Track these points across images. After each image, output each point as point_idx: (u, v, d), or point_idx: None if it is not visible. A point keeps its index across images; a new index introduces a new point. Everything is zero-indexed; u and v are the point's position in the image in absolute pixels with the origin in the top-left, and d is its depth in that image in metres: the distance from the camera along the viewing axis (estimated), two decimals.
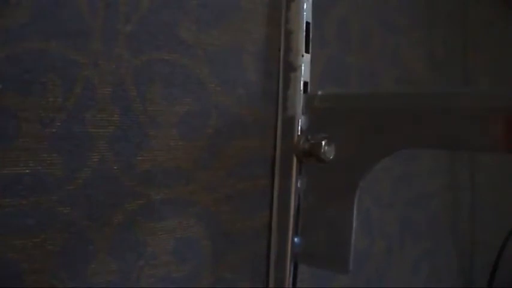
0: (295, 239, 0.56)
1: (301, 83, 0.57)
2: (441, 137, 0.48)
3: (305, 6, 0.58)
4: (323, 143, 0.54)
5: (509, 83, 1.08)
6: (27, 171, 0.42)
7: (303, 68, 0.57)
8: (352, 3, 0.68)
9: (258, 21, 0.58)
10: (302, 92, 0.57)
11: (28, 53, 0.41)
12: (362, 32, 0.70)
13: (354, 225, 0.53)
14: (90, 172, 0.45)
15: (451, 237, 0.97)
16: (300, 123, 0.56)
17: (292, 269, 0.57)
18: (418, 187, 0.83)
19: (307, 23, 0.58)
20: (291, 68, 0.57)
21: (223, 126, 0.55)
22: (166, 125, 0.50)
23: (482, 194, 1.05)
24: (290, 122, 0.57)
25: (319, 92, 0.57)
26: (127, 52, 0.47)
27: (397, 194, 0.79)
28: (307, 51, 0.57)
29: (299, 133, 0.56)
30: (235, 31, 0.56)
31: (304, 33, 0.57)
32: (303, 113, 0.57)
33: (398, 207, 0.78)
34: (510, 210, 1.04)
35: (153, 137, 0.49)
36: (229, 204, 0.56)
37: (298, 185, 0.56)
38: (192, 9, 0.53)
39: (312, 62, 0.60)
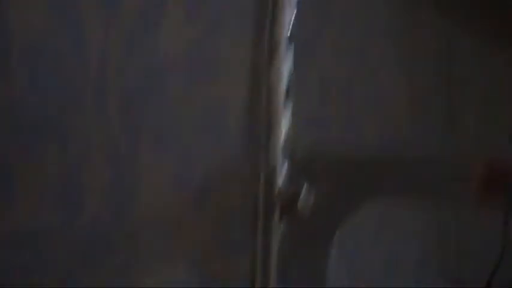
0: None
1: (282, 136, 0.62)
2: (416, 188, 0.53)
3: (286, 64, 0.63)
4: (302, 192, 0.58)
5: (494, 121, 1.11)
6: None
7: (283, 122, 0.62)
8: (334, 57, 0.73)
9: (241, 80, 0.63)
10: (283, 145, 0.62)
11: None
12: (343, 81, 0.75)
13: (332, 268, 0.57)
14: None
15: (438, 275, 1.00)
16: (281, 174, 0.61)
17: None
18: (402, 226, 0.87)
19: (287, 79, 0.63)
20: (273, 122, 0.62)
21: (209, 178, 0.59)
22: (155, 181, 0.55)
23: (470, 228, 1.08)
24: (272, 173, 0.61)
25: (299, 145, 0.61)
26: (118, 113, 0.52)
27: (381, 233, 0.82)
28: (287, 105, 0.62)
29: (281, 183, 0.61)
30: (220, 92, 0.61)
31: (285, 89, 0.62)
32: (284, 165, 0.61)
33: (382, 247, 0.82)
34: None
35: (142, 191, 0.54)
36: (216, 250, 0.60)
37: (280, 230, 0.61)
38: (178, 80, 0.58)
39: (296, 114, 0.65)
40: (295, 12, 0.64)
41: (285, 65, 0.63)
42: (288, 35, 0.63)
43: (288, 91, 0.62)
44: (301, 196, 0.58)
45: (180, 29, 0.58)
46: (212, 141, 0.60)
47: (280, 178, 0.60)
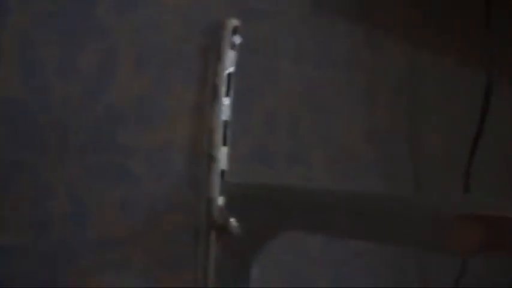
0: None
1: (219, 171, 0.72)
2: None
3: (223, 107, 0.72)
4: (232, 220, 0.69)
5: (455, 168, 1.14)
6: None
7: (221, 159, 0.72)
8: (281, 93, 0.82)
9: (187, 122, 0.73)
10: (220, 179, 0.71)
11: None
12: (291, 116, 0.84)
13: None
14: None
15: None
16: (217, 204, 0.71)
17: None
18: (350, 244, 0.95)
19: (225, 121, 0.73)
20: (212, 159, 0.72)
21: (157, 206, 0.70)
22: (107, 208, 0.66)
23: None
24: (210, 203, 0.71)
25: (234, 181, 0.71)
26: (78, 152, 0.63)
27: (328, 251, 0.91)
28: (225, 145, 0.72)
29: (217, 211, 0.71)
30: (166, 132, 0.71)
31: (223, 130, 0.72)
32: (220, 196, 0.71)
33: (329, 265, 0.91)
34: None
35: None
36: (163, 263, 0.71)
37: (215, 252, 0.71)
38: (130, 117, 0.68)
39: (239, 148, 0.75)
40: (236, 56, 0.73)
41: (226, 107, 0.72)
42: (229, 77, 0.72)
43: (225, 133, 0.72)
44: (231, 223, 0.68)
45: (130, 81, 0.69)
46: (160, 175, 0.71)
47: (216, 208, 0.71)
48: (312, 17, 0.86)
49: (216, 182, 0.71)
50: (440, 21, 1.07)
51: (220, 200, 0.71)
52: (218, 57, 0.72)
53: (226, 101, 0.73)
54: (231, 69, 0.73)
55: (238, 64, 0.74)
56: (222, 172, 0.72)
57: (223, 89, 0.72)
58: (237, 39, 0.73)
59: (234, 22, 0.73)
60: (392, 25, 1.00)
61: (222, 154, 0.72)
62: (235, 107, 0.75)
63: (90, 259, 0.66)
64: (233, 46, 0.73)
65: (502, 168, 1.15)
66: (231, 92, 0.73)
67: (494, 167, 1.13)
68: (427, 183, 1.07)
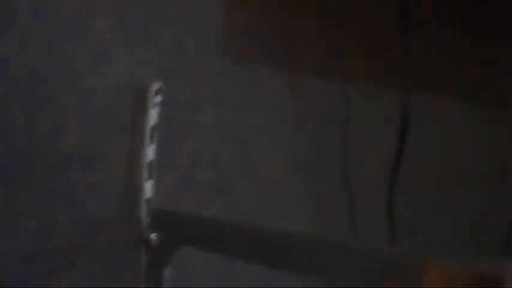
0: None
1: (146, 199, 0.96)
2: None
3: (149, 151, 0.96)
4: (153, 235, 0.93)
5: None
6: None
7: (147, 190, 0.96)
8: (203, 135, 1.06)
9: (121, 162, 0.97)
10: (146, 205, 0.96)
11: None
12: (214, 153, 1.07)
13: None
14: None
15: None
16: (144, 223, 0.95)
17: None
18: None
19: (151, 161, 0.97)
20: (140, 190, 0.96)
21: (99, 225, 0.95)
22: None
23: None
24: (139, 222, 0.96)
25: (156, 207, 0.96)
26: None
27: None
28: (150, 179, 0.96)
29: (143, 228, 0.95)
30: (107, 170, 0.96)
31: (148, 168, 0.96)
32: (146, 217, 0.95)
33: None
34: None
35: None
36: (110, 267, 0.96)
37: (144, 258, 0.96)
38: (80, 158, 0.94)
39: (166, 181, 0.99)
40: (159, 110, 0.98)
41: (151, 150, 0.96)
42: (153, 128, 0.97)
43: (151, 170, 0.96)
44: (151, 237, 0.92)
45: (80, 133, 0.94)
46: (101, 199, 0.95)
47: (143, 226, 0.95)
48: (234, 68, 1.09)
49: (143, 207, 0.96)
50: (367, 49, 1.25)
51: (146, 220, 0.96)
52: (145, 113, 0.97)
53: (151, 146, 0.97)
54: (154, 122, 0.97)
55: (162, 116, 0.99)
56: (148, 200, 0.96)
57: (148, 137, 0.96)
58: (159, 98, 0.97)
59: (157, 84, 0.97)
60: (317, 65, 1.19)
61: (148, 187, 0.96)
62: (162, 149, 0.99)
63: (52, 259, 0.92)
64: (156, 104, 0.97)
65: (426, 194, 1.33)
66: (155, 139, 0.97)
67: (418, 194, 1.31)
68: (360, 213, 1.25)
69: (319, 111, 1.19)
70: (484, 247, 1.37)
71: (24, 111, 0.92)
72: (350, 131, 1.23)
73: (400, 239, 1.22)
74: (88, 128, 0.95)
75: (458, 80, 1.36)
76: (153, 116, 0.97)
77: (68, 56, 0.94)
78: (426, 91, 1.28)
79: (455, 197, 1.36)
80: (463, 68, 1.37)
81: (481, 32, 1.39)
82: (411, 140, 1.23)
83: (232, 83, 1.09)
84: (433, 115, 1.30)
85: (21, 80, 0.92)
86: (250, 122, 1.10)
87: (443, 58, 1.34)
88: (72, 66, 0.95)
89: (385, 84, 1.24)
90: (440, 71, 1.34)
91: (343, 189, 1.23)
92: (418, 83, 1.23)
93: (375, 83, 1.24)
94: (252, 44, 1.11)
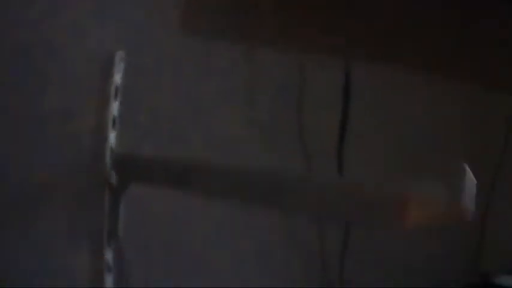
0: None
1: (110, 146, 1.17)
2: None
3: (113, 107, 1.18)
4: (113, 176, 1.14)
5: None
6: None
7: (111, 139, 1.17)
8: (163, 96, 1.26)
9: (91, 116, 1.19)
10: (110, 151, 1.17)
11: None
12: (174, 110, 1.27)
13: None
14: None
15: None
16: (108, 166, 1.17)
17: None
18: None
19: (114, 116, 1.18)
20: (106, 139, 1.18)
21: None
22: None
23: None
24: (103, 166, 1.17)
25: (117, 153, 1.17)
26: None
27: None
28: (114, 130, 1.18)
29: (107, 171, 1.17)
30: (81, 122, 1.18)
31: (112, 121, 1.17)
32: (109, 161, 1.17)
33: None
34: None
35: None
36: (80, 208, 1.18)
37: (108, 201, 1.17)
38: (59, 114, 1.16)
39: (130, 133, 1.20)
40: (124, 75, 1.19)
41: (115, 106, 1.18)
42: (117, 89, 1.18)
43: (114, 122, 1.17)
44: (112, 177, 1.14)
45: (62, 93, 1.16)
46: (75, 147, 1.18)
47: (107, 168, 1.17)
48: (193, 40, 1.28)
49: (108, 153, 1.18)
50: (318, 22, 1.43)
51: (109, 163, 1.17)
52: (111, 77, 1.18)
53: (116, 103, 1.18)
54: (117, 84, 1.18)
55: (128, 81, 1.20)
56: (112, 147, 1.18)
57: (112, 96, 1.18)
58: (122, 65, 1.18)
59: (120, 54, 1.18)
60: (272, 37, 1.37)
61: (112, 136, 1.18)
62: (127, 108, 1.20)
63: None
64: (119, 70, 1.18)
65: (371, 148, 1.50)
66: (119, 98, 1.18)
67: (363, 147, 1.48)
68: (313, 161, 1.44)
69: (275, 79, 1.38)
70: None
71: (15, 79, 1.14)
72: (305, 95, 1.41)
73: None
74: (66, 90, 1.17)
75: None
76: (117, 79, 1.18)
77: (50, 33, 1.17)
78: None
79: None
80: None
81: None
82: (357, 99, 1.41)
83: (191, 54, 1.29)
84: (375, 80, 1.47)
85: (11, 53, 1.14)
86: (207, 88, 1.30)
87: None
88: (53, 40, 1.17)
89: (333, 53, 1.41)
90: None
91: (299, 142, 1.41)
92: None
93: (326, 52, 1.42)
94: (210, 19, 1.30)
